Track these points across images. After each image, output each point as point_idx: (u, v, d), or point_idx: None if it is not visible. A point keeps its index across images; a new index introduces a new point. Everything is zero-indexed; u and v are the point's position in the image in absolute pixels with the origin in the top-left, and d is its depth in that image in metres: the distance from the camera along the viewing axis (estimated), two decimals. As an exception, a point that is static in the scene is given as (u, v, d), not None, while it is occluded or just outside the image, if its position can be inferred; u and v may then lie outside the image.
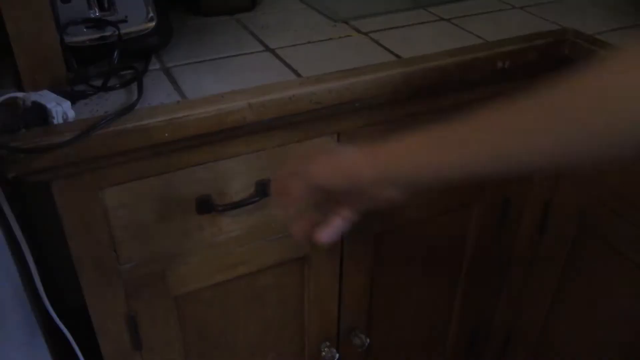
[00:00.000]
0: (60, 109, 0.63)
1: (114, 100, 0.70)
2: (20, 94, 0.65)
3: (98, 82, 0.71)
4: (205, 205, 0.74)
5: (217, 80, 0.75)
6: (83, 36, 0.74)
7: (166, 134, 0.67)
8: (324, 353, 1.03)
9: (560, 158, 0.47)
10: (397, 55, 0.84)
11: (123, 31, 0.74)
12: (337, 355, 1.04)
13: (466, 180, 0.50)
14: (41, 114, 0.63)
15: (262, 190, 0.78)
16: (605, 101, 0.44)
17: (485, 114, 0.50)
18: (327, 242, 0.59)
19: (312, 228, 0.59)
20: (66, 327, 0.82)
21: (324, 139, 0.75)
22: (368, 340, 1.05)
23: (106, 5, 0.76)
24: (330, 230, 0.59)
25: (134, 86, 0.72)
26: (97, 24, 0.74)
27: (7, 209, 0.70)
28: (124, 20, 0.76)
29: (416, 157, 0.52)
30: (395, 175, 0.53)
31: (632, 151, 0.44)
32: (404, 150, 0.53)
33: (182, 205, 0.75)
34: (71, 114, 0.65)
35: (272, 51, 0.84)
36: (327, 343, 1.04)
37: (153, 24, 0.78)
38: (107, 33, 0.74)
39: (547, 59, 0.92)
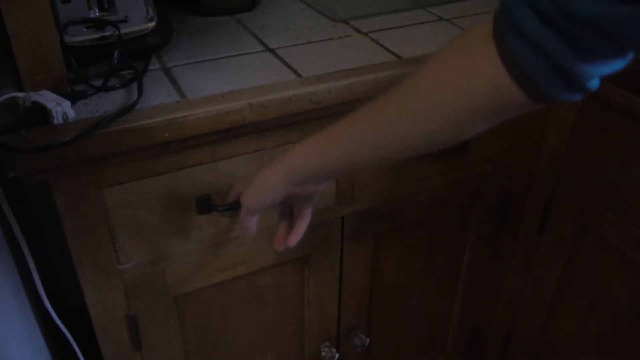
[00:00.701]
0: (60, 109, 0.63)
1: (114, 100, 0.70)
2: (20, 94, 0.65)
3: (98, 82, 0.71)
4: (205, 206, 0.74)
5: (217, 80, 0.75)
6: (83, 36, 0.74)
7: (166, 134, 0.67)
8: (323, 353, 1.04)
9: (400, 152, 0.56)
10: (397, 55, 0.84)
11: (123, 31, 0.74)
12: (337, 355, 1.04)
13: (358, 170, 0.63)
14: (41, 114, 0.63)
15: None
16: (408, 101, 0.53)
17: (356, 115, 0.58)
18: (294, 244, 0.69)
19: (279, 237, 0.71)
20: (66, 327, 0.82)
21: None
22: (368, 340, 1.05)
23: (106, 5, 0.76)
24: (293, 234, 0.69)
25: (134, 86, 0.72)
26: (97, 24, 0.74)
27: (7, 209, 0.70)
28: (124, 20, 0.76)
29: (308, 157, 0.60)
30: (299, 176, 0.61)
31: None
32: (299, 153, 0.61)
33: (182, 206, 0.75)
34: (71, 114, 0.65)
35: (272, 51, 0.84)
36: (327, 343, 1.04)
37: (153, 24, 0.78)
38: (107, 33, 0.74)
39: (547, 59, 0.92)
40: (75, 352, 0.85)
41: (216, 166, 0.75)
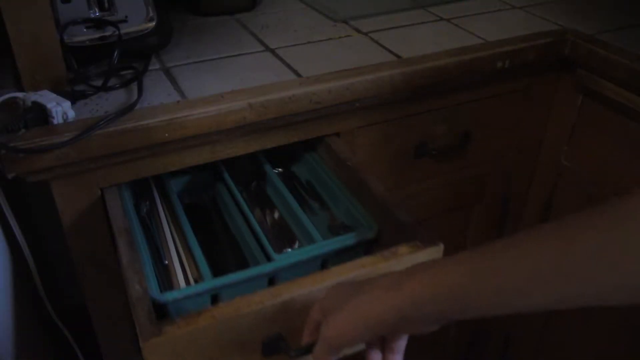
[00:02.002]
0: (60, 109, 0.64)
1: (114, 100, 0.70)
2: (20, 94, 0.65)
3: (98, 82, 0.71)
4: (275, 347, 0.58)
5: (217, 80, 0.75)
6: (83, 36, 0.74)
7: (166, 134, 0.67)
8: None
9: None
10: (397, 55, 0.84)
11: (123, 31, 0.74)
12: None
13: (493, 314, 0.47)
14: (41, 114, 0.63)
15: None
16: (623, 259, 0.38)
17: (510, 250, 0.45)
18: None
19: None
20: (66, 326, 0.82)
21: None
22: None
23: (106, 5, 0.76)
24: None
25: (134, 86, 0.72)
26: (97, 24, 0.75)
27: (7, 209, 0.70)
28: (124, 20, 0.76)
29: (448, 292, 0.45)
30: (422, 315, 0.46)
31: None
32: (432, 282, 0.46)
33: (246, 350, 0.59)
34: (71, 114, 0.65)
35: (272, 51, 0.84)
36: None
37: (153, 24, 0.78)
38: (107, 33, 0.74)
39: (547, 59, 0.92)
40: (75, 352, 0.85)
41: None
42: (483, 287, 0.45)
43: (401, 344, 0.53)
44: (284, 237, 0.73)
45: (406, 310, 0.46)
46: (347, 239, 0.67)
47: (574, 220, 0.41)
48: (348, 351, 0.50)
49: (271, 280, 0.65)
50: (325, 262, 0.68)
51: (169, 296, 0.57)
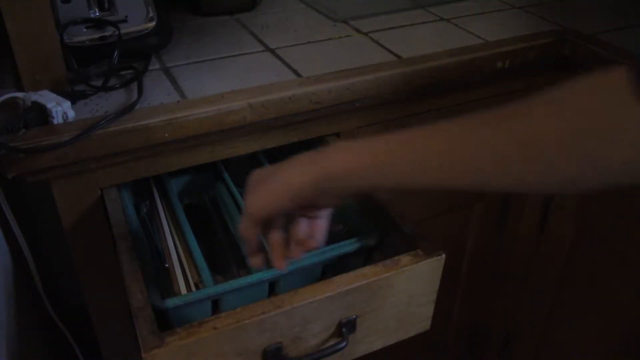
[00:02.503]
0: (60, 109, 0.64)
1: (114, 100, 0.70)
2: (20, 94, 0.65)
3: (98, 82, 0.71)
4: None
5: (217, 80, 0.75)
6: (83, 36, 0.74)
7: (166, 134, 0.67)
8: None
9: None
10: (397, 55, 0.84)
11: (123, 31, 0.74)
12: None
13: (410, 189, 0.50)
14: (41, 114, 0.63)
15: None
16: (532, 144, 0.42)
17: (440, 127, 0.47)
18: (316, 246, 0.55)
19: (278, 251, 0.54)
20: (66, 327, 0.82)
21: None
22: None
23: (106, 5, 0.76)
24: (310, 239, 0.55)
25: (134, 86, 0.72)
26: (97, 24, 0.75)
27: (7, 209, 0.70)
28: (124, 20, 0.76)
29: (359, 166, 0.49)
30: (336, 187, 0.49)
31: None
32: (346, 159, 0.49)
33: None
34: (71, 114, 0.65)
35: (272, 51, 0.84)
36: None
37: (153, 24, 0.78)
38: (107, 33, 0.74)
39: (547, 59, 0.92)
40: (75, 352, 0.85)
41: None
42: (399, 162, 0.48)
43: (323, 213, 0.55)
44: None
45: (322, 180, 0.49)
46: (348, 246, 0.67)
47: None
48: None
49: (271, 285, 0.65)
50: (326, 268, 0.68)
51: (170, 303, 0.57)
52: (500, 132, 0.45)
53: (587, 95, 0.42)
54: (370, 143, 0.49)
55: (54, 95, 0.65)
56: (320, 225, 0.55)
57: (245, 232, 0.53)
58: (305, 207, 0.53)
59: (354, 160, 0.49)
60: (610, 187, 0.42)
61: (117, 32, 0.74)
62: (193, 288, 0.65)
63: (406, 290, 0.62)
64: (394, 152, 0.48)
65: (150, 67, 0.78)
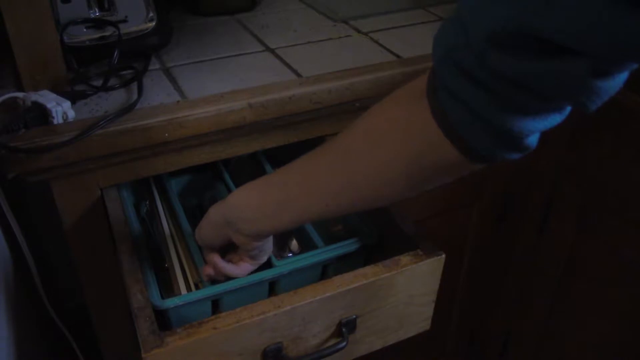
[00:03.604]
0: (60, 109, 0.63)
1: (114, 100, 0.70)
2: (20, 94, 0.65)
3: (98, 82, 0.71)
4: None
5: (217, 80, 0.75)
6: (83, 36, 0.74)
7: (166, 134, 0.67)
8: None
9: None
10: (397, 55, 0.84)
11: (123, 31, 0.74)
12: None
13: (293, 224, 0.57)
14: (41, 114, 0.63)
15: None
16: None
17: (296, 166, 0.55)
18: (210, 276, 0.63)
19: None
20: (66, 327, 0.82)
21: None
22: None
23: (106, 5, 0.76)
24: (235, 268, 0.62)
25: (134, 86, 0.72)
26: (97, 24, 0.75)
27: (7, 209, 0.70)
28: (124, 20, 0.76)
29: (246, 196, 0.58)
30: (233, 216, 0.58)
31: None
32: (240, 192, 0.59)
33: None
34: (71, 114, 0.65)
35: (272, 51, 0.84)
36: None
37: (153, 24, 0.78)
38: (107, 33, 0.74)
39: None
40: (75, 352, 0.85)
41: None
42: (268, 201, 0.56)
43: (248, 263, 0.62)
44: (283, 236, 0.73)
45: (225, 210, 0.59)
46: (348, 245, 0.67)
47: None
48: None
49: (272, 285, 0.65)
50: (325, 268, 0.68)
51: (170, 303, 0.57)
52: (328, 168, 0.53)
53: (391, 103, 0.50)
54: (262, 180, 0.58)
55: (54, 95, 0.65)
56: (233, 269, 0.62)
57: (207, 258, 0.63)
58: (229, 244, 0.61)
59: (245, 194, 0.58)
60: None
61: (117, 32, 0.74)
62: (193, 288, 0.65)
63: (406, 290, 0.62)
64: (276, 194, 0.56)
65: (150, 67, 0.78)
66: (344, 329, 0.60)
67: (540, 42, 0.35)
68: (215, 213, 0.60)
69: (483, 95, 0.40)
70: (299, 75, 0.77)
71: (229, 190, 0.77)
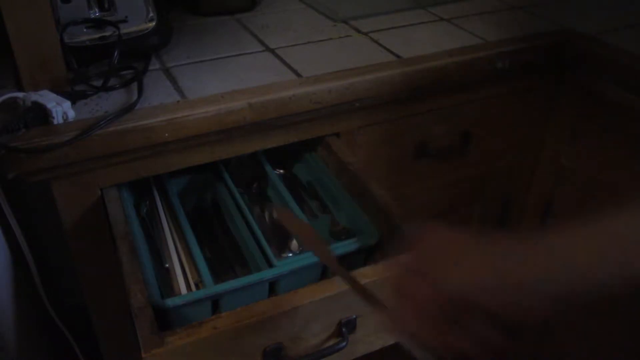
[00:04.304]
0: (60, 109, 0.63)
1: (114, 100, 0.70)
2: (20, 94, 0.65)
3: (98, 82, 0.71)
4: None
5: (217, 80, 0.75)
6: (83, 36, 0.74)
7: (166, 134, 0.67)
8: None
9: None
10: (397, 55, 0.83)
11: (123, 31, 0.74)
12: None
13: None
14: (41, 114, 0.63)
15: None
16: None
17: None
18: None
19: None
20: (66, 327, 0.82)
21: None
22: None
23: (106, 5, 0.76)
24: None
25: (134, 86, 0.72)
26: (97, 24, 0.75)
27: (7, 209, 0.70)
28: (124, 20, 0.76)
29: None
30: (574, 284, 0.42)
31: None
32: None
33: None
34: (71, 114, 0.65)
35: (272, 51, 0.84)
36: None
37: (153, 24, 0.78)
38: (107, 33, 0.74)
39: (547, 59, 0.92)
40: (75, 352, 0.85)
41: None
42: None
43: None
44: (283, 236, 0.73)
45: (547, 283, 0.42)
46: (348, 245, 0.67)
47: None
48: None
49: (272, 285, 0.65)
50: (326, 268, 0.68)
51: (170, 302, 0.57)
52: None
53: None
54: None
55: (54, 95, 0.65)
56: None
57: (421, 297, 0.44)
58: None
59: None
60: None
61: (117, 32, 0.74)
62: (193, 288, 0.64)
63: (406, 290, 0.62)
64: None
65: (150, 67, 0.78)
66: (344, 329, 0.60)
67: None
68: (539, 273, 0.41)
69: None
70: (299, 75, 0.77)
71: (229, 191, 0.77)
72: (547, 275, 0.41)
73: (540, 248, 0.42)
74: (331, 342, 0.60)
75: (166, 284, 0.65)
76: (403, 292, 0.44)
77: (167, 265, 0.67)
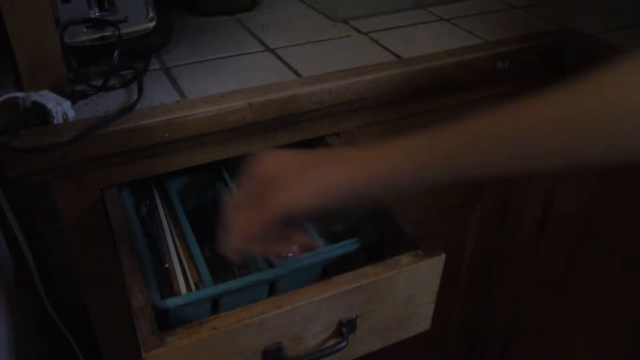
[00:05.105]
0: (60, 109, 0.64)
1: (114, 100, 0.70)
2: (20, 94, 0.65)
3: (98, 82, 0.71)
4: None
5: (217, 80, 0.75)
6: (83, 36, 0.74)
7: (166, 134, 0.67)
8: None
9: (547, 163, 0.45)
10: (397, 55, 0.84)
11: (123, 31, 0.74)
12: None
13: (449, 184, 0.47)
14: (41, 114, 0.63)
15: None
16: (601, 114, 0.42)
17: (478, 119, 0.46)
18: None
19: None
20: (66, 327, 0.82)
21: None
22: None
23: (106, 5, 0.76)
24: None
25: (134, 86, 0.72)
26: (97, 24, 0.75)
27: (7, 209, 0.70)
28: (124, 20, 0.76)
29: (402, 162, 0.47)
30: (377, 183, 0.48)
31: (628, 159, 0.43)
32: (387, 155, 0.48)
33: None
34: (71, 114, 0.65)
35: (272, 51, 0.84)
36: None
37: (153, 24, 0.78)
38: (107, 33, 0.74)
39: (546, 59, 0.92)
40: (75, 352, 0.85)
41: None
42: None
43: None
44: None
45: (360, 184, 0.48)
46: (349, 245, 0.67)
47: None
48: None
49: (272, 285, 0.65)
50: (325, 268, 0.68)
51: (170, 303, 0.57)
52: (564, 109, 0.44)
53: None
54: (412, 142, 0.47)
55: (54, 95, 0.65)
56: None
57: (251, 226, 0.50)
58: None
59: (401, 161, 0.47)
60: None
61: (117, 32, 0.74)
62: (193, 288, 0.64)
63: (406, 290, 0.62)
64: (446, 147, 0.46)
65: (150, 67, 0.78)
66: (344, 329, 0.60)
67: None
68: (337, 175, 0.48)
69: None
70: (299, 75, 0.77)
71: (229, 191, 0.77)
72: (395, 170, 0.47)
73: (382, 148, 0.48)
74: (331, 342, 0.60)
75: (166, 284, 0.65)
76: (236, 215, 0.50)
77: (167, 265, 0.67)
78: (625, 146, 0.42)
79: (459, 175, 0.46)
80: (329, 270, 0.68)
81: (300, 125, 0.77)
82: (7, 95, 0.64)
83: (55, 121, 0.63)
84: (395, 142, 0.48)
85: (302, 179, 0.48)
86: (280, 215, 0.49)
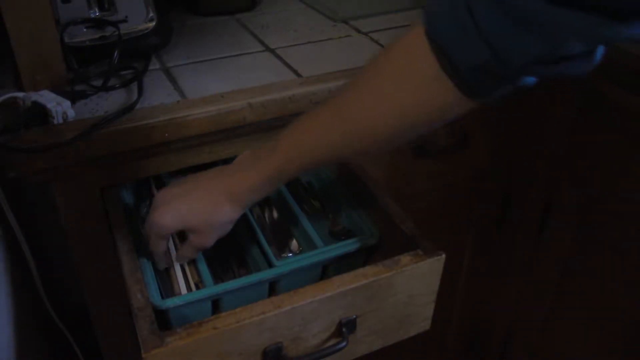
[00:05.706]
0: (60, 108, 0.64)
1: (114, 100, 0.70)
2: (20, 94, 0.65)
3: (98, 82, 0.71)
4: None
5: (217, 80, 0.75)
6: (83, 36, 0.74)
7: (166, 134, 0.67)
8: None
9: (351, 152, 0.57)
10: (397, 55, 0.83)
11: (123, 31, 0.74)
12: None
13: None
14: (41, 114, 0.63)
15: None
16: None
17: (291, 130, 0.58)
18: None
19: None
20: (66, 327, 0.82)
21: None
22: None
23: (106, 5, 0.76)
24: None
25: (134, 86, 0.72)
26: (97, 24, 0.75)
27: (7, 209, 0.70)
28: (124, 20, 0.76)
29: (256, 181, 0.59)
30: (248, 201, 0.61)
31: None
32: (250, 183, 0.59)
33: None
34: (71, 113, 0.65)
35: (272, 51, 0.84)
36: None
37: (153, 24, 0.78)
38: (107, 33, 0.74)
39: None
40: (75, 352, 0.85)
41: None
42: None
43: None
44: (283, 236, 0.73)
45: (228, 201, 0.59)
46: (348, 245, 0.67)
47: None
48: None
49: (272, 285, 0.65)
50: (325, 268, 0.68)
51: (170, 303, 0.57)
52: (335, 120, 0.55)
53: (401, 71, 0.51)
54: (262, 157, 0.58)
55: (54, 95, 0.65)
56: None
57: (152, 243, 0.62)
58: None
59: (252, 178, 0.59)
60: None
61: (117, 32, 0.74)
62: (193, 288, 0.65)
63: (406, 290, 0.62)
64: (281, 159, 0.58)
65: (150, 67, 0.78)
66: (344, 329, 0.60)
67: None
68: (207, 200, 0.60)
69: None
70: (299, 75, 0.77)
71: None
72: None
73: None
74: (331, 342, 0.60)
75: (166, 284, 0.65)
76: (149, 220, 0.61)
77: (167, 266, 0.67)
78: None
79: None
80: (329, 270, 0.68)
81: (300, 125, 0.77)
82: (7, 95, 0.64)
83: (55, 121, 0.63)
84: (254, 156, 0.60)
85: (171, 203, 0.60)
86: (156, 234, 0.61)
